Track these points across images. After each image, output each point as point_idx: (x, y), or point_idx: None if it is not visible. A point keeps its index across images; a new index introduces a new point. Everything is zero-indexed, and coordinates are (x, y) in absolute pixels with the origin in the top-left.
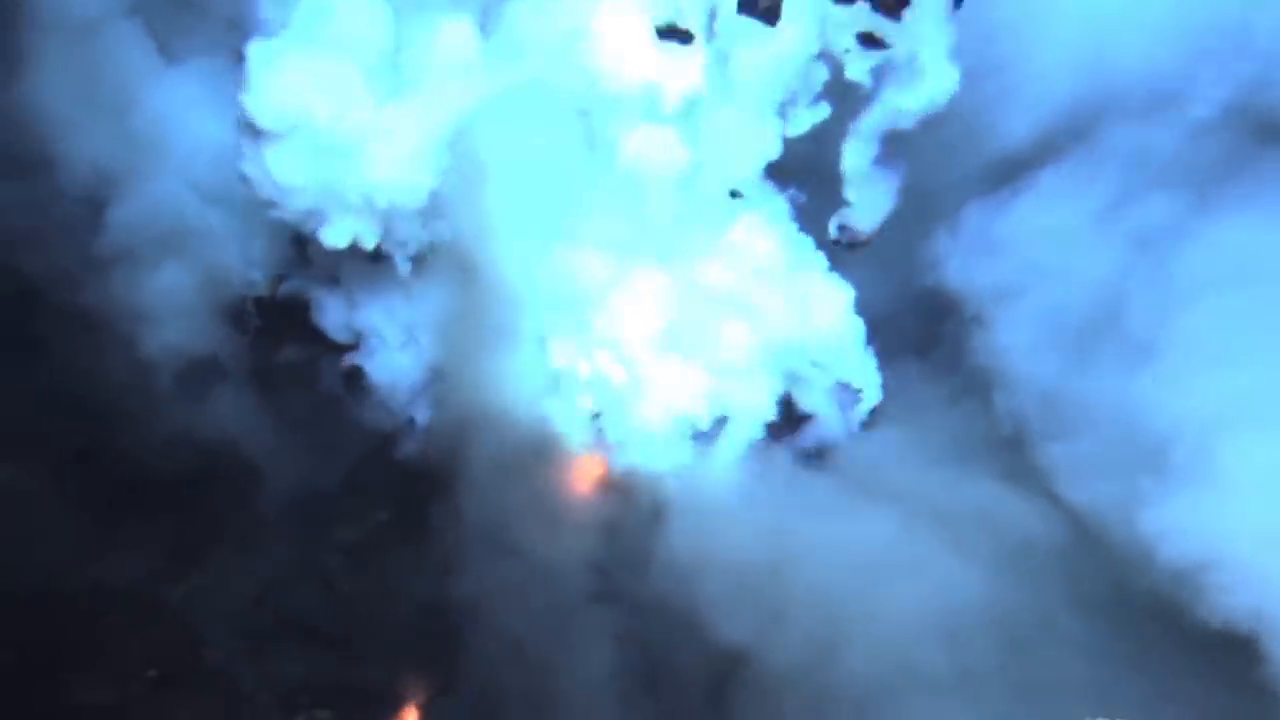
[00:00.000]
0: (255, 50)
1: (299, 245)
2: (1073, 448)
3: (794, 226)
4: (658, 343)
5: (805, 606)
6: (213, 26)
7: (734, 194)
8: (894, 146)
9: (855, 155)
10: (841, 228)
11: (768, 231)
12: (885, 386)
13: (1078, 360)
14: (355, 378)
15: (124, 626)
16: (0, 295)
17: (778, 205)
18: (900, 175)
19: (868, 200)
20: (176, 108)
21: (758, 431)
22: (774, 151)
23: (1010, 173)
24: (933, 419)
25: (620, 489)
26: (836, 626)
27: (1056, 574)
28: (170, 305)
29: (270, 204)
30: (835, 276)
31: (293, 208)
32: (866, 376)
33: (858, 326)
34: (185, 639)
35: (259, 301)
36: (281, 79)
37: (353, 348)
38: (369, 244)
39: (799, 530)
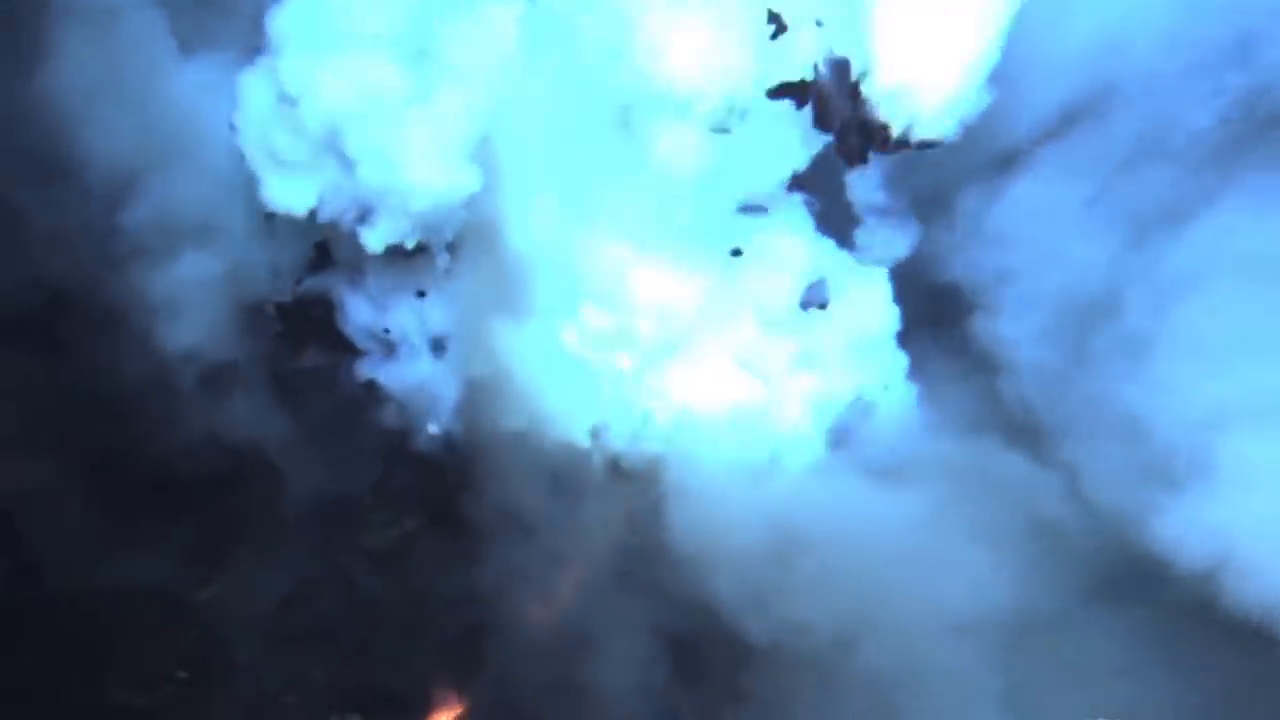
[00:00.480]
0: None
1: (325, 246)
2: (1080, 446)
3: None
4: (687, 334)
5: (829, 589)
6: (236, 20)
7: (735, 253)
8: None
9: (869, 178)
10: (807, 294)
11: (794, 234)
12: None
13: (1080, 354)
14: (377, 384)
15: (153, 628)
16: (25, 297)
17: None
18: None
19: (884, 233)
20: (200, 105)
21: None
22: (800, 162)
23: (1009, 158)
24: (949, 401)
25: (651, 484)
26: (859, 608)
27: (1078, 557)
28: (197, 306)
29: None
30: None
31: (330, 215)
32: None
33: (893, 315)
34: (214, 641)
35: (285, 304)
36: (317, 83)
37: (378, 351)
38: (410, 243)
39: (821, 512)
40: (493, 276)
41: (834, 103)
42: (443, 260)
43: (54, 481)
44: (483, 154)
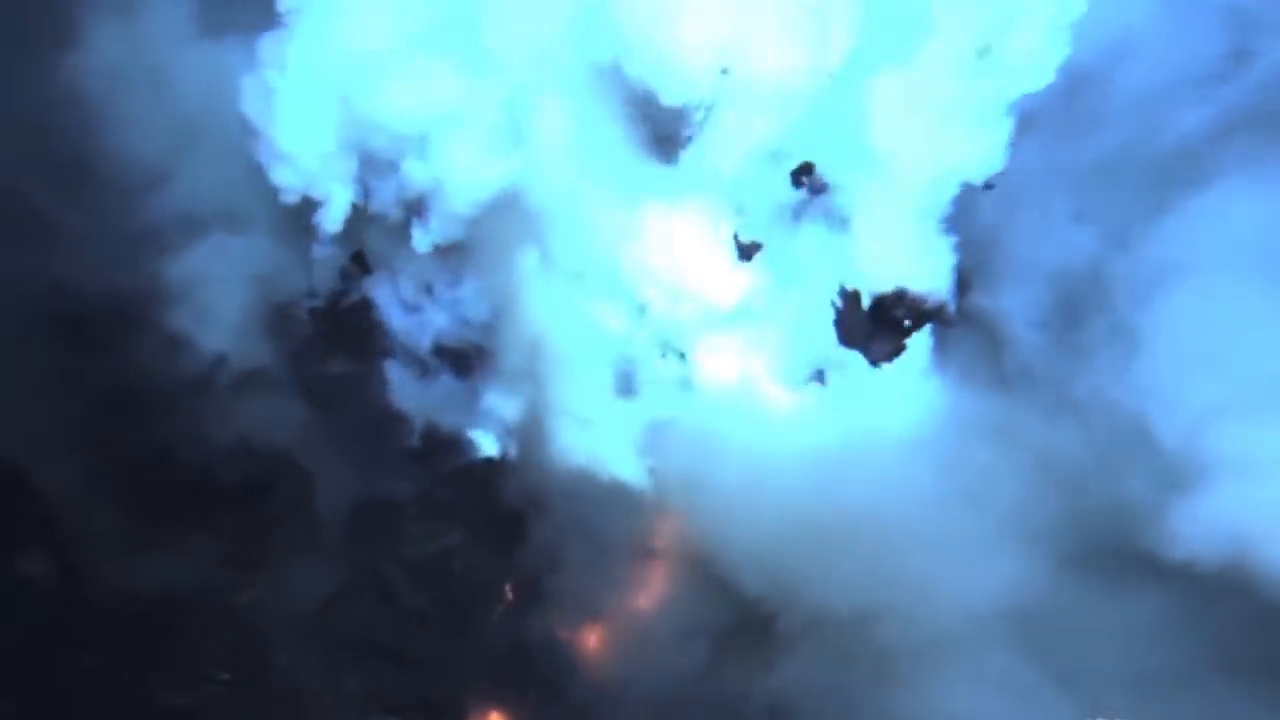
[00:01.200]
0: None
1: (361, 254)
2: (1086, 432)
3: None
4: (722, 324)
5: (855, 573)
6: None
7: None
8: None
9: None
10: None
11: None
12: None
13: (1078, 351)
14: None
15: (194, 630)
16: (59, 302)
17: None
18: None
19: None
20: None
21: None
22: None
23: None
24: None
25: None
26: (886, 590)
27: (1094, 538)
28: (233, 311)
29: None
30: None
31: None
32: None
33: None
34: (254, 643)
35: (325, 310)
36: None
37: (413, 360)
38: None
39: (846, 498)
40: (531, 266)
41: (854, 326)
42: (484, 254)
43: (96, 486)
44: (526, 143)
